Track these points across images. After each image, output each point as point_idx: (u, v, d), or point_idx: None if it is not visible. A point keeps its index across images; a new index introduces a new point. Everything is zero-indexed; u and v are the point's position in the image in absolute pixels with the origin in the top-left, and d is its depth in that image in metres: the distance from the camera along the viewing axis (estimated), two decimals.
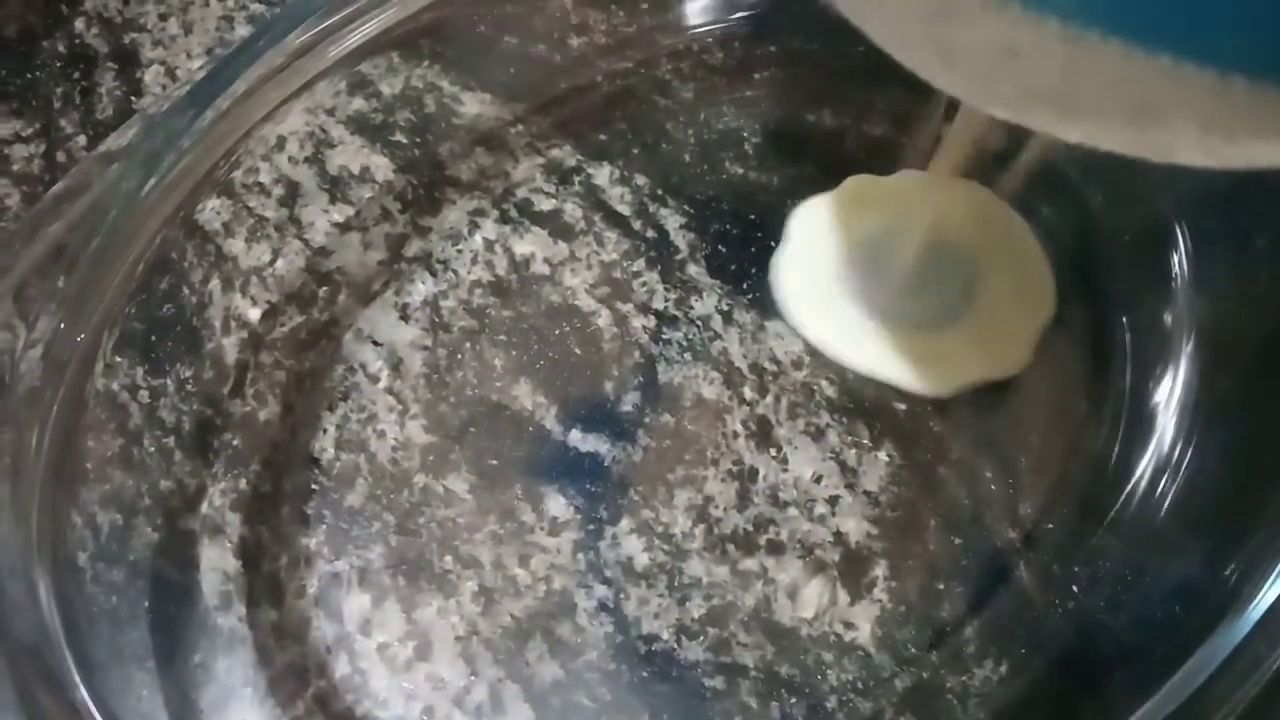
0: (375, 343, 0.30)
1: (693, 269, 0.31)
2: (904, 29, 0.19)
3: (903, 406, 0.29)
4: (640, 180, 0.32)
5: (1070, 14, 0.16)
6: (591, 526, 0.28)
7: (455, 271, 0.31)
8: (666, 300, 0.31)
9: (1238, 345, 0.29)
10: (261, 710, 0.26)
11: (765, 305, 0.31)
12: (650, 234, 0.32)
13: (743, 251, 0.31)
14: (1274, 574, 0.23)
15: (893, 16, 0.19)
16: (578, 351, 0.30)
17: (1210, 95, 0.16)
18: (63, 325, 0.24)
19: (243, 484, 0.28)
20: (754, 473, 0.28)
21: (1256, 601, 0.22)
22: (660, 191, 0.32)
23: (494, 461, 0.29)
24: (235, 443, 0.28)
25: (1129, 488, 0.28)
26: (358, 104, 0.33)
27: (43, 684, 0.22)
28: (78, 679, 0.23)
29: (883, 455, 0.29)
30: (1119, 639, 0.26)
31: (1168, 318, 0.30)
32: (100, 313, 0.25)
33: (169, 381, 0.28)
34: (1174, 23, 0.15)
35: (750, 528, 0.28)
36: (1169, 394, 0.29)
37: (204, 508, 0.28)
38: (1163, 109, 0.17)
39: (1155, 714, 0.21)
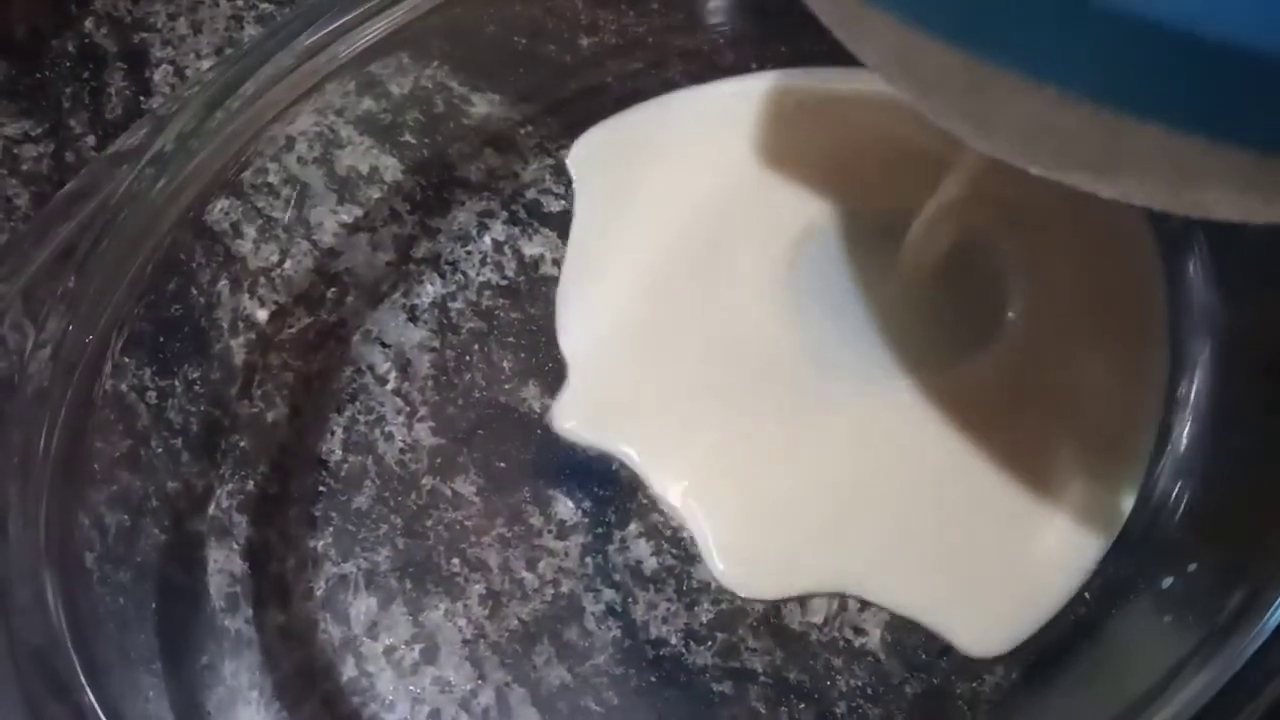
0: (383, 344, 0.30)
1: None
2: (940, 101, 0.19)
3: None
4: None
5: (1105, 98, 0.16)
6: (599, 530, 0.28)
7: (464, 273, 0.31)
8: None
9: (1255, 351, 0.28)
10: (268, 713, 0.26)
11: None
12: None
13: None
14: None
15: (929, 87, 0.19)
16: None
17: (1248, 170, 0.16)
18: (72, 326, 0.24)
19: (250, 486, 0.28)
20: None
21: (1272, 610, 0.22)
22: None
23: (502, 464, 0.29)
24: (243, 444, 0.28)
25: (1143, 494, 0.28)
26: (367, 104, 0.33)
27: (49, 686, 0.22)
28: (84, 681, 0.23)
29: None
30: (1131, 647, 0.26)
31: (1184, 323, 0.29)
32: (109, 314, 0.25)
33: (177, 382, 0.28)
34: (1212, 110, 0.15)
35: None
36: (1185, 400, 0.29)
37: (211, 509, 0.28)
38: (1199, 180, 0.17)
39: None
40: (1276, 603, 0.22)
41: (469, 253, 0.31)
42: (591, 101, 0.33)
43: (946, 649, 0.26)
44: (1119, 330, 0.29)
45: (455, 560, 0.27)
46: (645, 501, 0.28)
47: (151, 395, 0.27)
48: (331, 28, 0.28)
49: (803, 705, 0.26)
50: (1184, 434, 0.28)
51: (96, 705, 0.22)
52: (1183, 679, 0.22)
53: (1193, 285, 0.30)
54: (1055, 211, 0.30)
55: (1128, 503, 0.28)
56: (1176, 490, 0.28)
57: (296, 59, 0.27)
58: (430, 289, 0.31)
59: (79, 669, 0.23)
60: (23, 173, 0.32)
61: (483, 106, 0.33)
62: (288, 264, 0.31)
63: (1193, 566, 0.26)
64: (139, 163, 0.25)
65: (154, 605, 0.26)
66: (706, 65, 0.34)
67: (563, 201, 0.32)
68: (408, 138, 0.33)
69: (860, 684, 0.26)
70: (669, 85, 0.33)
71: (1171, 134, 0.16)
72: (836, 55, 0.32)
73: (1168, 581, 0.26)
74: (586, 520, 0.28)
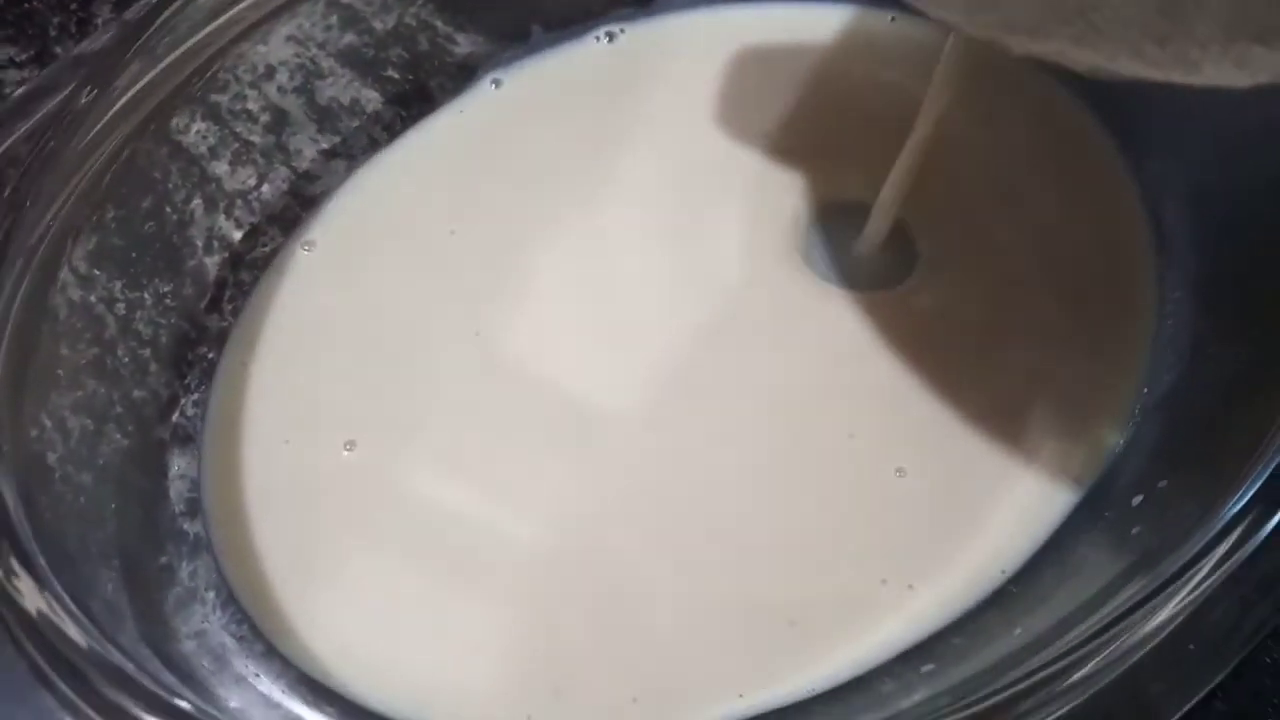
0: None
1: None
2: None
3: None
4: None
5: None
6: None
7: None
8: None
9: (1225, 293, 0.28)
10: (223, 614, 0.26)
11: None
12: None
13: None
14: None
15: None
16: None
17: None
18: (14, 229, 0.24)
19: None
20: None
21: (1223, 516, 0.22)
22: None
23: None
24: (210, 356, 0.29)
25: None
26: (349, 38, 0.33)
27: (11, 574, 0.22)
28: (48, 571, 0.22)
29: None
30: (1095, 561, 0.25)
31: (1162, 269, 0.29)
32: (61, 219, 0.25)
33: (147, 295, 0.28)
34: None
35: None
36: (1163, 342, 0.28)
37: (175, 417, 0.28)
38: (1182, 6, 0.16)
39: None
40: (1225, 511, 0.22)
41: None
42: (574, 43, 0.33)
43: None
44: (1102, 278, 0.29)
45: None
46: None
47: (120, 307, 0.28)
48: None
49: None
50: (1162, 371, 0.28)
51: (64, 594, 0.22)
52: (1135, 582, 0.22)
53: (1171, 233, 0.29)
54: (1032, 167, 0.30)
55: (1112, 440, 0.27)
56: (1152, 426, 0.27)
57: None
58: None
59: (41, 560, 0.22)
60: (4, 95, 0.32)
61: (466, 46, 0.33)
62: (265, 187, 0.31)
63: (1163, 483, 0.26)
64: (97, 67, 0.25)
65: (114, 506, 0.26)
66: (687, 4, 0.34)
67: None
68: (390, 72, 0.33)
69: None
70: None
71: None
72: None
73: (1138, 499, 0.26)
74: None
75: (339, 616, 0.26)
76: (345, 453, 0.27)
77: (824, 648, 0.25)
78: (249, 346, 0.29)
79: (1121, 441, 0.27)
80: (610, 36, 0.33)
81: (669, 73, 0.33)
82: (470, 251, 0.30)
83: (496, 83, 0.33)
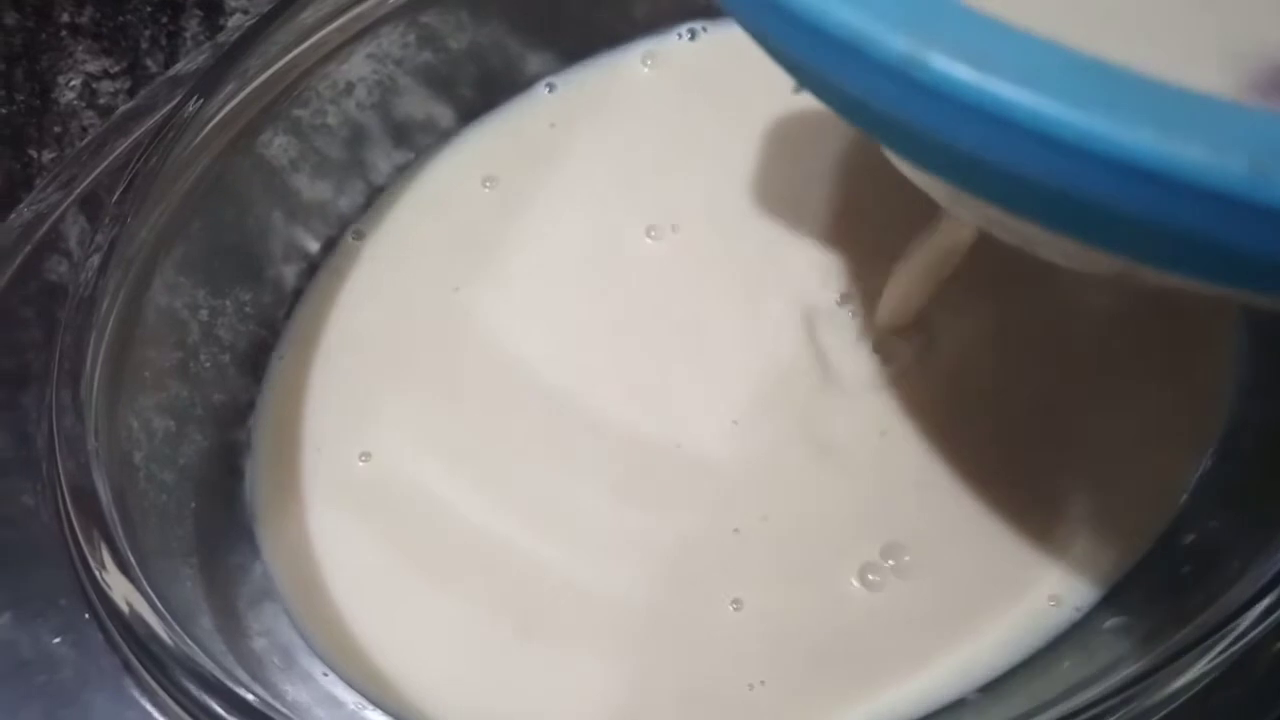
0: None
1: None
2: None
3: None
4: None
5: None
6: None
7: None
8: None
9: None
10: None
11: None
12: None
13: None
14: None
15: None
16: None
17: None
18: (117, 239, 0.25)
19: None
20: None
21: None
22: None
23: None
24: None
25: None
26: (425, 56, 0.34)
27: (101, 566, 0.23)
28: (136, 568, 0.24)
29: None
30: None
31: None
32: (157, 230, 0.26)
33: (228, 303, 0.29)
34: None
35: None
36: None
37: (251, 420, 0.29)
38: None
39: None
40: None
41: None
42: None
43: None
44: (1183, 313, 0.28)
45: None
46: None
47: (203, 313, 0.29)
48: None
49: None
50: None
51: (147, 584, 0.23)
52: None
53: None
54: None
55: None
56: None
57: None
58: None
59: (128, 552, 0.24)
60: (99, 105, 0.34)
61: (536, 65, 0.34)
62: (341, 200, 0.32)
63: (1214, 523, 0.26)
64: (194, 87, 0.26)
65: (193, 505, 0.27)
66: None
67: None
68: (463, 90, 0.34)
69: None
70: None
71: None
72: None
73: (1190, 538, 0.26)
74: None
75: (377, 627, 0.26)
76: (360, 464, 0.28)
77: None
78: (299, 349, 0.30)
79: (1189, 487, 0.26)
80: (692, 34, 0.34)
81: (728, 84, 0.33)
82: (504, 260, 0.30)
83: (550, 87, 0.34)
